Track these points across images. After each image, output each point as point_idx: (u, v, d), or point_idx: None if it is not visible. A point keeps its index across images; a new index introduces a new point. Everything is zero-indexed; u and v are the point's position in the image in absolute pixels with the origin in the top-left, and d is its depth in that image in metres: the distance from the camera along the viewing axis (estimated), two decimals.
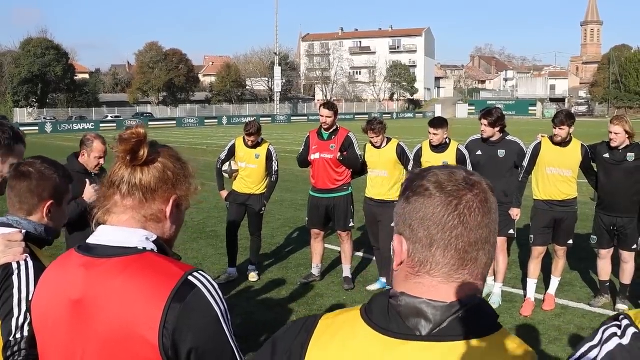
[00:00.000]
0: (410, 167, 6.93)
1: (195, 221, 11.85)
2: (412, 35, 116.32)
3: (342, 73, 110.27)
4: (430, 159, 6.77)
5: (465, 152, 6.83)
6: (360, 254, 9.03)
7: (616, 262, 6.85)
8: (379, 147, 7.14)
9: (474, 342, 1.10)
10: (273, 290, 7.50)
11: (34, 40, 73.66)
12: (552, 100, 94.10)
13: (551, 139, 6.62)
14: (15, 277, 2.05)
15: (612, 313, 6.52)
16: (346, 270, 7.62)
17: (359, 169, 7.36)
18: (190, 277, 1.53)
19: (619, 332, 1.04)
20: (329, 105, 7.39)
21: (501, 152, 6.75)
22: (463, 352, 1.09)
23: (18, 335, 1.98)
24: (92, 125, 57.87)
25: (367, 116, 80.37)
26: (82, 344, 1.54)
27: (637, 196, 6.41)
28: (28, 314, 1.93)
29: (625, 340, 1.02)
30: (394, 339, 1.13)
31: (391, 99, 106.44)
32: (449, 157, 6.75)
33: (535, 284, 6.88)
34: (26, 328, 1.98)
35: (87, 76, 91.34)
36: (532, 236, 6.80)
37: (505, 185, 6.76)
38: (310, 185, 7.72)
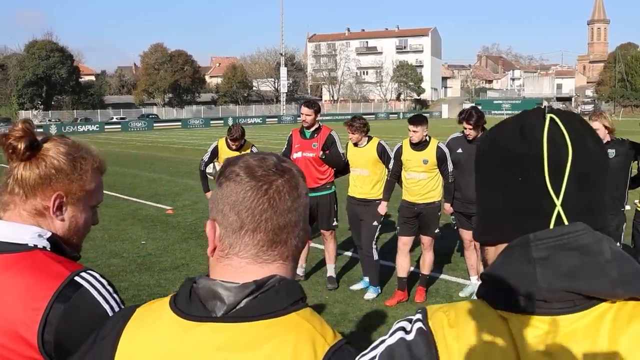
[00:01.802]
0: (390, 166, 6.88)
1: (187, 221, 11.87)
2: (419, 35, 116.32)
3: (348, 73, 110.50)
4: (410, 156, 6.72)
5: (446, 149, 6.77)
6: (349, 253, 8.99)
7: None
8: (359, 146, 7.09)
9: (268, 322, 1.13)
10: None
11: (39, 42, 74.18)
12: (559, 99, 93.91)
13: None
14: None
15: None
16: (330, 270, 7.57)
17: (342, 167, 7.32)
18: (76, 278, 1.52)
19: (408, 327, 1.01)
20: (309, 103, 7.38)
21: None
22: (255, 332, 1.12)
23: None
24: (96, 127, 58.19)
25: (374, 116, 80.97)
26: None
27: (618, 192, 6.34)
28: None
29: (410, 336, 0.99)
30: (191, 322, 1.16)
31: (398, 99, 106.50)
32: (429, 154, 6.69)
33: None
34: None
35: (93, 78, 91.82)
36: None
37: None
38: None
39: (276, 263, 1.21)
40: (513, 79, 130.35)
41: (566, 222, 0.98)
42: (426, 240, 6.99)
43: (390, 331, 1.03)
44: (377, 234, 7.09)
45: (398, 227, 7.07)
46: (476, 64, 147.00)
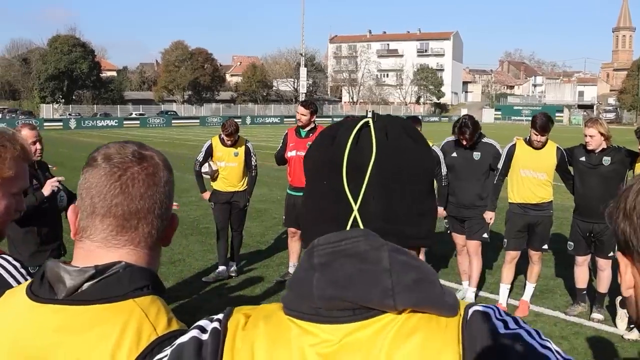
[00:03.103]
0: None
1: (191, 217, 11.91)
2: (440, 38, 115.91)
3: (369, 75, 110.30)
4: None
5: (440, 153, 6.72)
6: None
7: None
8: None
9: (104, 306, 1.15)
10: (248, 287, 7.47)
11: (61, 37, 74.88)
12: (580, 106, 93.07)
13: (527, 141, 6.48)
14: None
15: (586, 322, 6.40)
16: None
17: None
18: None
19: (207, 327, 0.98)
20: (306, 103, 7.40)
21: (476, 155, 6.62)
22: (89, 316, 1.14)
23: None
24: (115, 122, 58.55)
25: None
26: None
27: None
28: None
29: (204, 336, 0.96)
30: (36, 303, 1.19)
31: (418, 102, 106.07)
32: None
33: (508, 289, 6.76)
34: None
35: (114, 74, 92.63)
36: (506, 240, 6.68)
37: (480, 188, 6.66)
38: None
39: (126, 248, 1.23)
40: (535, 85, 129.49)
41: (361, 228, 0.94)
42: None
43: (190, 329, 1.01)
44: None
45: None
46: (498, 69, 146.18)
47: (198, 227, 11.01)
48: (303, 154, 7.07)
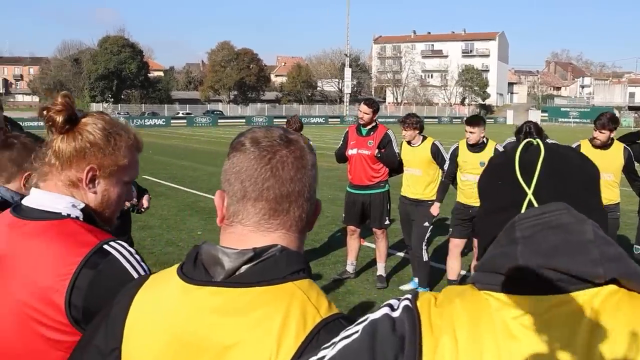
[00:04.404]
0: (446, 167, 6.81)
1: None
2: (486, 39, 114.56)
3: (413, 76, 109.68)
4: (467, 158, 6.63)
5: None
6: (400, 253, 8.93)
7: None
8: (413, 145, 7.06)
9: (263, 289, 1.14)
10: None
11: (111, 38, 76.85)
12: (631, 108, 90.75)
13: (591, 142, 6.40)
14: None
15: None
16: (380, 269, 7.55)
17: (396, 167, 7.29)
18: (105, 246, 1.58)
19: (395, 305, 1.01)
20: (369, 102, 7.38)
21: None
22: (249, 298, 1.14)
23: None
24: (163, 121, 59.45)
25: (437, 120, 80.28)
26: (1, 299, 1.59)
27: None
28: None
29: (396, 313, 0.98)
30: (193, 285, 1.19)
31: (462, 103, 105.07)
32: (486, 157, 6.56)
33: None
34: None
35: (161, 74, 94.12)
36: None
37: None
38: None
39: (278, 232, 1.22)
40: (582, 87, 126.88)
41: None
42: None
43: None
44: (427, 234, 7.02)
45: (451, 229, 7.00)
46: (544, 70, 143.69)
47: None
48: (364, 152, 7.18)
